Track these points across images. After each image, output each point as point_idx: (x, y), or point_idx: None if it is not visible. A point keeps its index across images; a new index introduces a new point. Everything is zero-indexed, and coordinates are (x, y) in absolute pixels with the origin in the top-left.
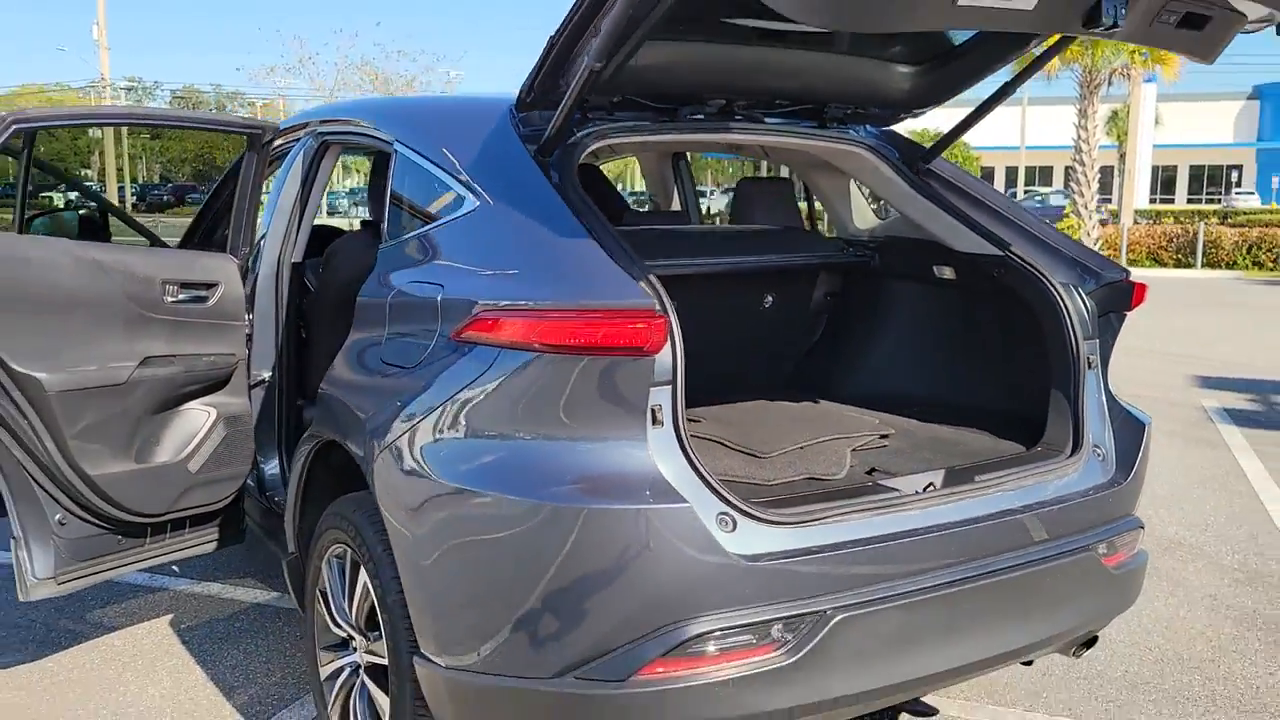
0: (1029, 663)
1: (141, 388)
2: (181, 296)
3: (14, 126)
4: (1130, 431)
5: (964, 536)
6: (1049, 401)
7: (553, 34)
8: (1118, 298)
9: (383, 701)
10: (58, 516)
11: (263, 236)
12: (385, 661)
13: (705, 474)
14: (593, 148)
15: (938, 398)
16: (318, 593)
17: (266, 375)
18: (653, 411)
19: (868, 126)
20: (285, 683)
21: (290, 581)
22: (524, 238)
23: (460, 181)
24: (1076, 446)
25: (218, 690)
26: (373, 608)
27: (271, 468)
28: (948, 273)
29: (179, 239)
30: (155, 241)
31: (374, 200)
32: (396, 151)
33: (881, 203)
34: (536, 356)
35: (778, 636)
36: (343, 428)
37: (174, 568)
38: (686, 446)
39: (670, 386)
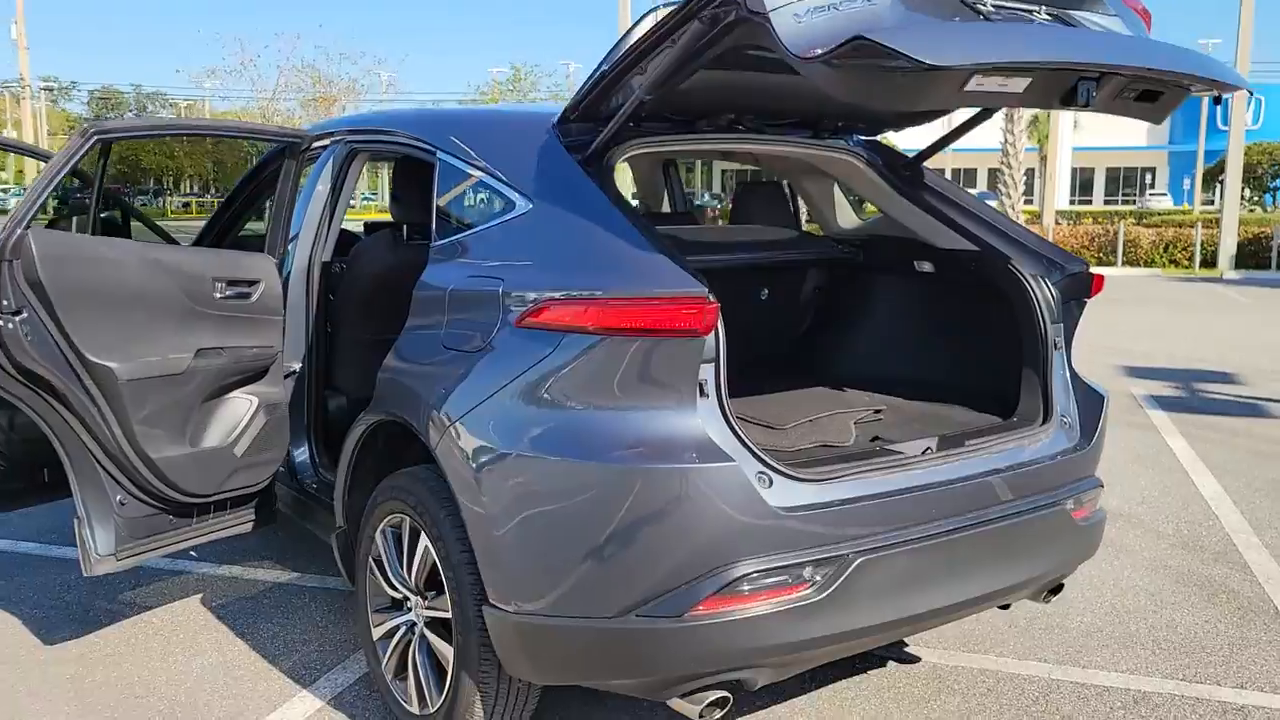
0: (1006, 606)
1: (196, 377)
2: (229, 293)
3: (96, 138)
4: (1091, 404)
5: (959, 492)
6: (1021, 378)
7: (604, 68)
8: (1079, 286)
9: (445, 650)
10: (119, 498)
11: (294, 237)
12: (448, 615)
13: (744, 438)
14: (624, 156)
15: (920, 377)
16: (370, 561)
17: (296, 367)
18: (700, 385)
19: (856, 136)
20: (324, 650)
21: (339, 553)
22: (580, 236)
23: (510, 187)
24: (1047, 417)
25: (262, 658)
26: (433, 569)
27: (300, 454)
28: (926, 266)
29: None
30: (171, 243)
31: (403, 204)
32: (441, 160)
33: (864, 204)
34: (601, 339)
35: (808, 577)
36: (406, 407)
37: (192, 552)
38: (729, 415)
39: (715, 363)
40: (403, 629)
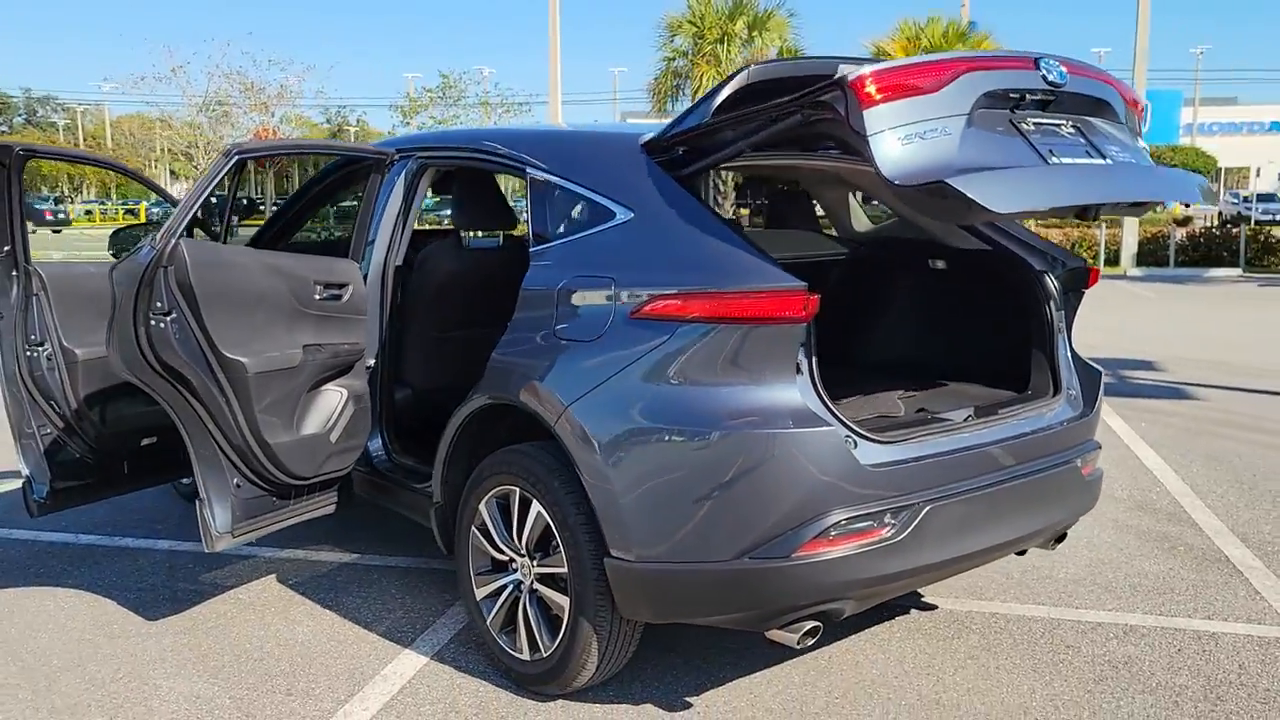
0: (1023, 552)
1: (305, 370)
2: (325, 295)
3: (237, 157)
4: (1090, 378)
5: (997, 452)
6: (1031, 359)
7: (707, 122)
8: (1078, 279)
9: (560, 601)
10: (235, 481)
11: (370, 243)
12: (561, 571)
13: (832, 408)
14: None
15: (939, 361)
16: (474, 530)
17: (371, 362)
18: (797, 364)
19: None
20: (411, 616)
21: (436, 525)
22: (687, 240)
23: (607, 198)
24: (1056, 390)
25: (357, 625)
26: (545, 533)
27: (374, 441)
28: (940, 264)
29: None
30: None
31: (468, 213)
32: (534, 176)
33: (876, 210)
34: (715, 328)
35: (888, 522)
36: (520, 391)
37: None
38: (819, 388)
39: (807, 345)
40: (509, 587)
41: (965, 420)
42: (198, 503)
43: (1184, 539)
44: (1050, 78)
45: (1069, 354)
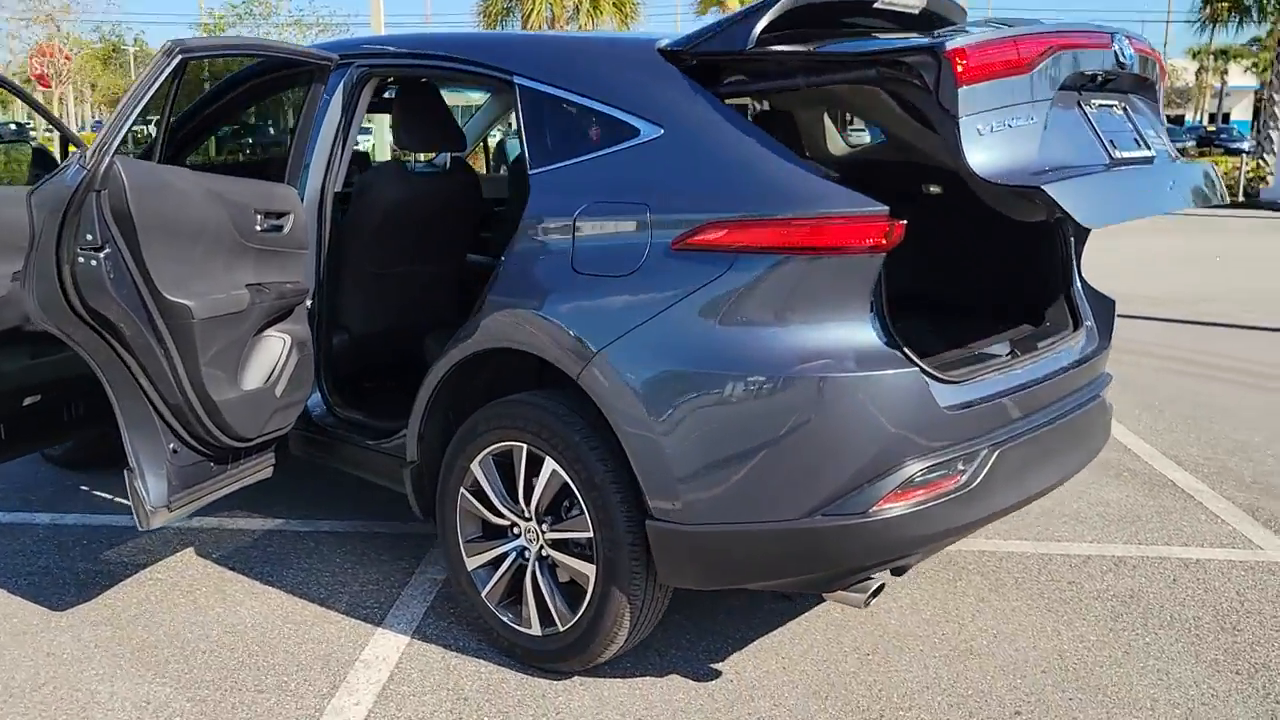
0: None
1: (252, 314)
2: (266, 225)
3: (180, 56)
4: (1104, 309)
5: (1045, 388)
6: (1045, 290)
7: (752, 50)
8: None
9: (583, 569)
10: (171, 445)
11: (305, 167)
12: (582, 536)
13: (904, 348)
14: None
15: (943, 295)
16: (463, 492)
17: (307, 304)
18: (873, 299)
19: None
20: (371, 589)
21: (412, 488)
22: (738, 160)
23: (628, 113)
24: (1077, 323)
25: (311, 603)
26: (560, 494)
27: (312, 395)
28: (935, 189)
29: None
30: None
31: (415, 132)
32: (525, 88)
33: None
34: (784, 259)
35: (961, 469)
36: (529, 335)
37: None
38: (890, 326)
39: (879, 278)
40: (511, 555)
41: (1009, 357)
42: (127, 473)
43: (1126, 464)
44: (1122, 58)
45: (1080, 285)
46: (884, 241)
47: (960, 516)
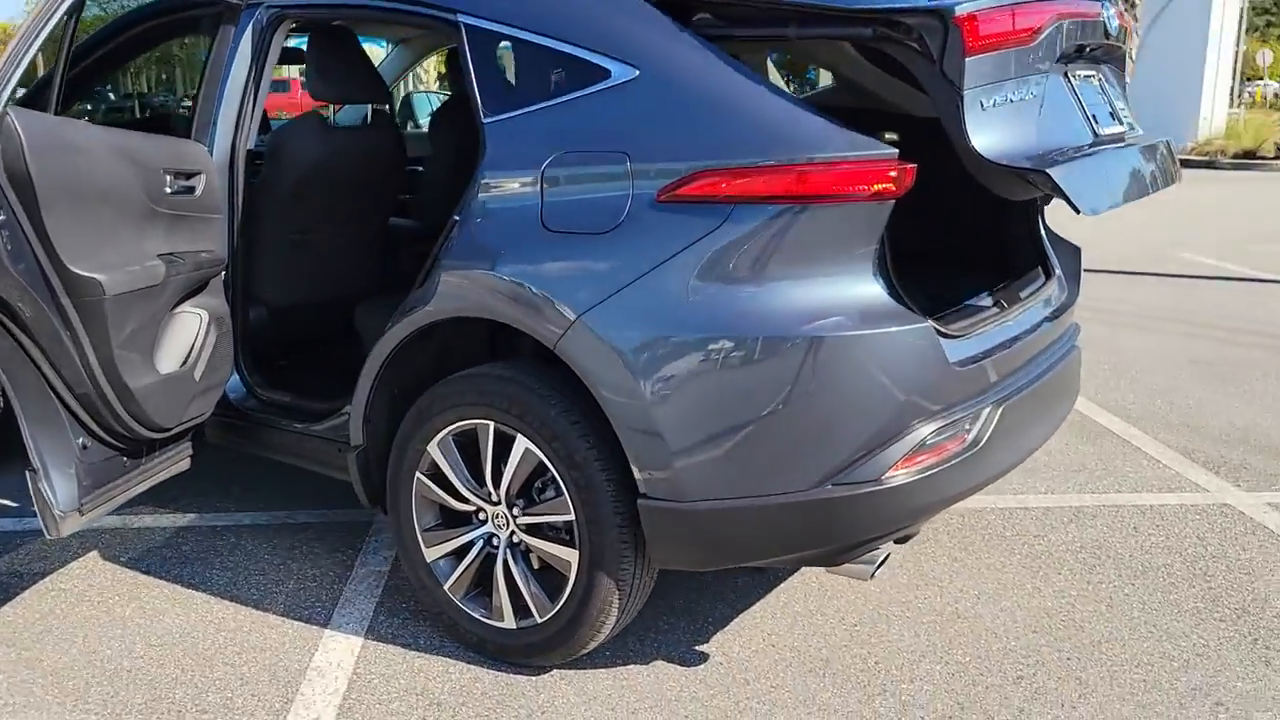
0: None
1: (168, 289)
2: (177, 187)
3: None
4: (1071, 255)
5: (1034, 340)
6: (1013, 239)
7: None
8: None
9: (564, 555)
10: (80, 440)
11: (213, 121)
12: (565, 518)
13: (908, 301)
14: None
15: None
16: (419, 477)
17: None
18: (880, 250)
19: None
20: (309, 587)
21: (359, 475)
22: (727, 102)
23: (595, 52)
24: (1049, 273)
25: (242, 606)
26: (535, 474)
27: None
28: (893, 135)
29: None
30: None
31: (332, 81)
32: (470, 27)
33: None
34: (786, 208)
35: (968, 429)
36: (495, 301)
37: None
38: (894, 279)
39: (884, 228)
40: (478, 544)
41: (997, 309)
42: (30, 475)
43: None
44: (1109, 27)
45: (1044, 234)
46: (894, 187)
47: (968, 479)
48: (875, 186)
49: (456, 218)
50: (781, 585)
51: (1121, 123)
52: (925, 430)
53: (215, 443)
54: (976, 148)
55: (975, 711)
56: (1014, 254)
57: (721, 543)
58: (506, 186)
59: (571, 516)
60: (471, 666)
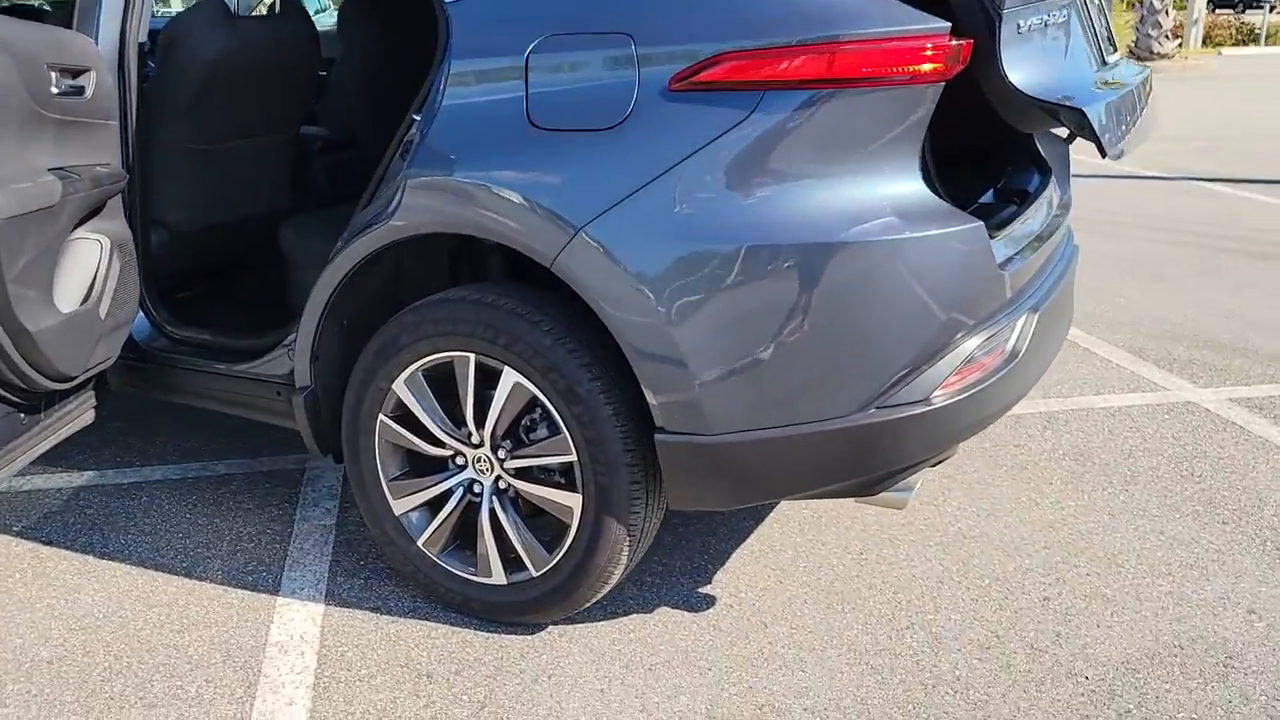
0: None
1: (65, 211)
2: (65, 87)
3: None
4: (1058, 154)
5: (1051, 241)
6: (1011, 135)
7: None
8: None
9: (564, 500)
10: None
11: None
12: (565, 459)
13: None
14: None
15: None
16: (382, 420)
17: None
18: (924, 143)
19: None
20: (245, 549)
21: (307, 420)
22: None
23: None
24: (1045, 170)
25: (172, 575)
26: (526, 410)
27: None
28: None
29: None
30: None
31: None
32: None
33: None
34: (824, 94)
35: (1007, 339)
36: (479, 215)
37: None
38: (933, 173)
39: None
40: (457, 492)
41: (1016, 208)
42: None
43: None
44: None
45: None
46: (944, 66)
47: (1007, 395)
48: (927, 66)
49: (416, 117)
50: (772, 514)
51: (1115, 49)
52: (972, 343)
53: (119, 390)
54: (1012, 79)
55: (1013, 639)
56: (1010, 149)
57: (751, 479)
58: (481, 78)
59: (572, 457)
60: (457, 629)
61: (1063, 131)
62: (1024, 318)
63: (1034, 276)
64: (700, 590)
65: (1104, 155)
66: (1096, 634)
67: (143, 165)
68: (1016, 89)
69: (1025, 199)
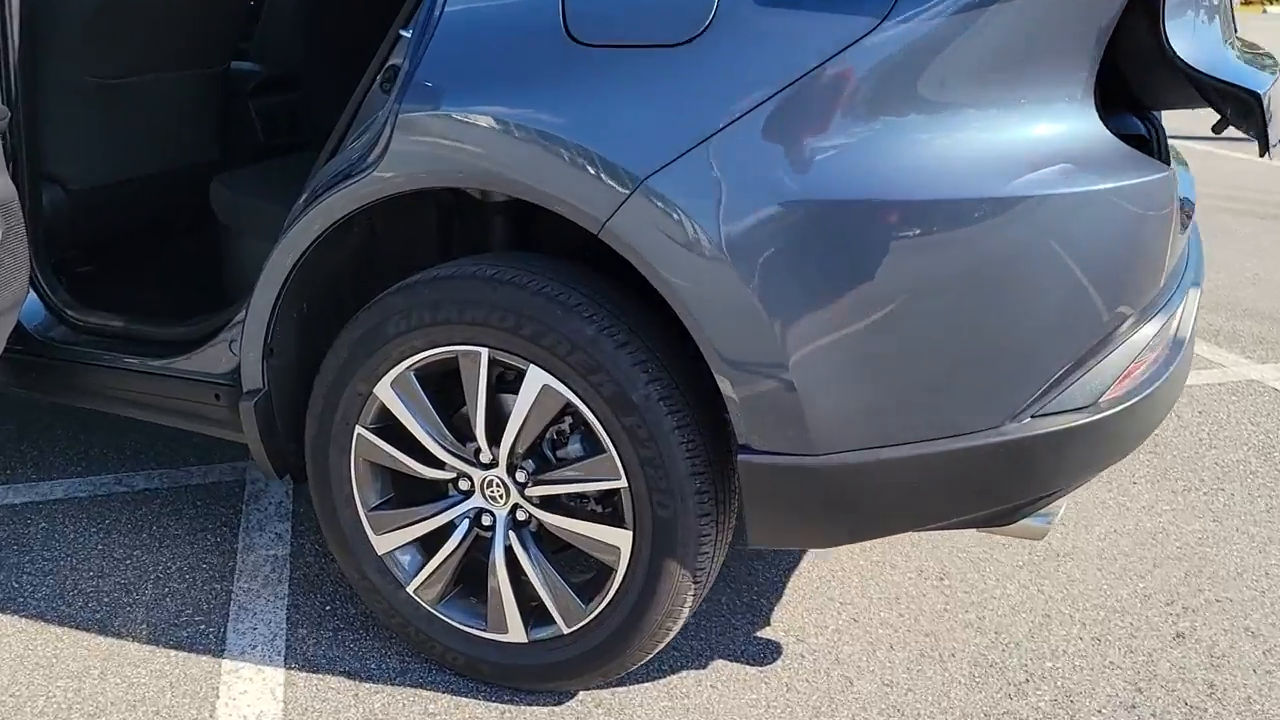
0: None
1: None
2: None
3: None
4: None
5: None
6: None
7: None
8: None
9: (610, 538)
10: None
11: None
12: (600, 486)
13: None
14: None
15: None
16: (360, 433)
17: None
18: (1093, 64)
19: None
20: (178, 592)
21: (258, 432)
22: None
23: None
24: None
25: (87, 631)
26: (556, 421)
27: None
28: None
29: None
30: None
31: None
32: None
33: None
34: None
35: (1176, 322)
36: (499, 162)
37: None
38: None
39: None
40: (461, 525)
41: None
42: None
43: None
44: None
45: None
46: None
47: (1173, 392)
48: None
49: (405, 33)
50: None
51: (1236, 28)
52: (1148, 330)
53: (6, 392)
54: (1174, 46)
55: (1159, 695)
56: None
57: (867, 510)
58: None
59: (621, 483)
60: (462, 699)
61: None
62: (1190, 293)
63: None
64: (760, 635)
65: (1265, 152)
66: (1256, 683)
67: (29, 104)
68: (1180, 59)
69: (1166, 150)
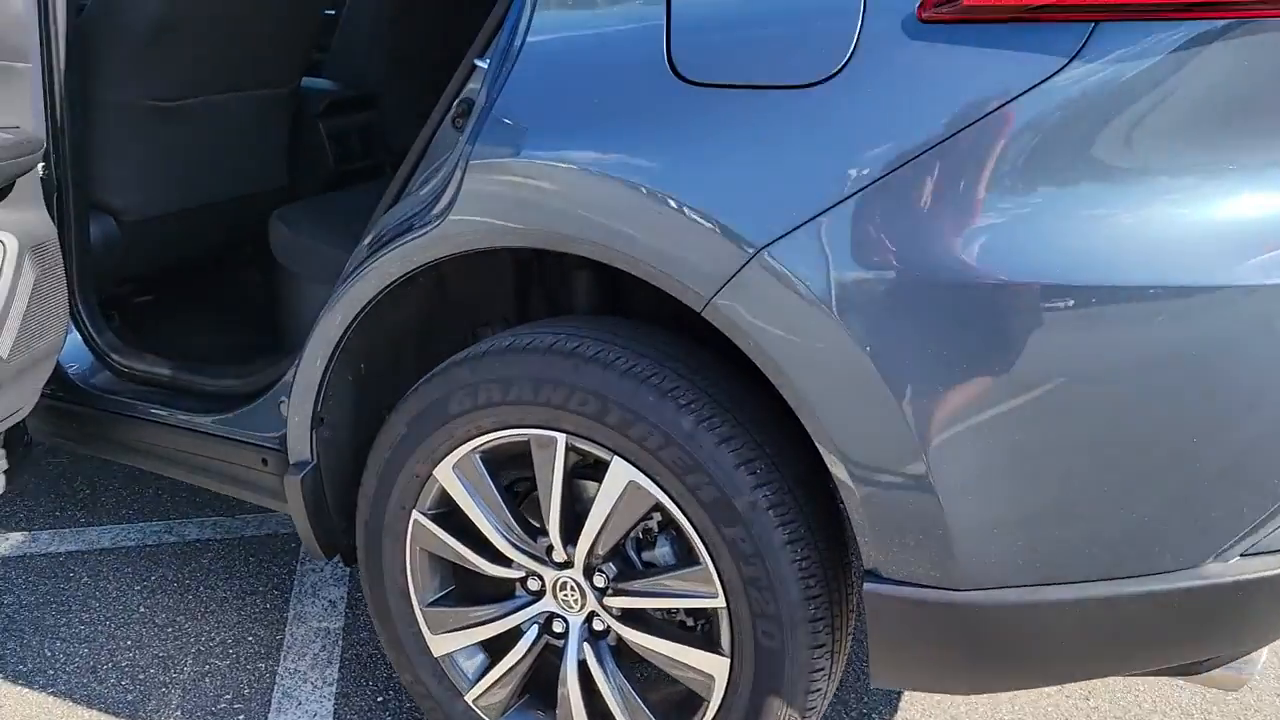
0: None
1: None
2: None
3: None
4: None
5: None
6: None
7: None
8: None
9: (702, 663)
10: None
11: None
12: (710, 603)
13: None
14: None
15: None
16: (418, 520)
17: (39, 171)
18: None
19: None
20: (225, 666)
21: (305, 510)
22: None
23: None
24: None
25: (111, 716)
26: (643, 523)
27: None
28: None
29: None
30: None
31: None
32: None
33: None
34: (1201, 30)
35: None
36: (588, 221)
37: None
38: None
39: None
40: (529, 632)
41: None
42: None
43: None
44: None
45: None
46: None
47: None
48: None
49: (480, 63)
50: None
51: None
52: None
53: (45, 442)
54: None
55: None
56: None
57: (1025, 656)
58: (589, 21)
59: (719, 602)
60: None
61: None
62: None
63: None
64: None
65: None
66: None
67: (76, 129)
68: None
69: None
